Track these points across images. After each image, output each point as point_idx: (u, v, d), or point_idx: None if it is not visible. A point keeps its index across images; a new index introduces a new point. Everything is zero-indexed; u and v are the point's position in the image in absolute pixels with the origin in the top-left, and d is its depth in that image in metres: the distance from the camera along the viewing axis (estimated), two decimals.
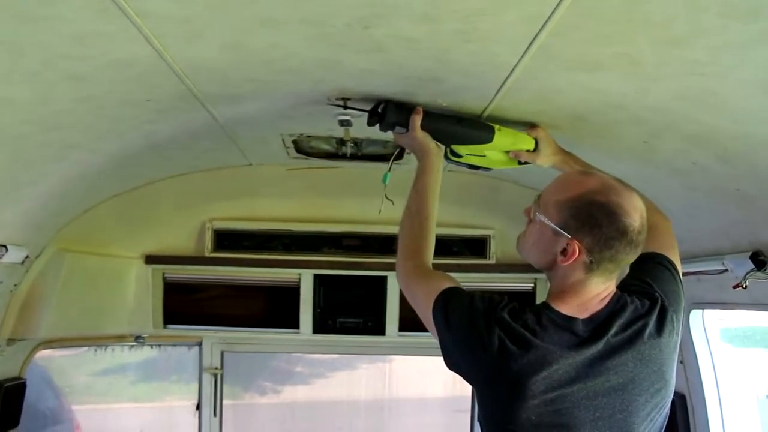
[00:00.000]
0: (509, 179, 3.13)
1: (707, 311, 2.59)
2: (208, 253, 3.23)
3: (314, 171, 3.02)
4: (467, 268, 3.26)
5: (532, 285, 3.42)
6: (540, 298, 3.37)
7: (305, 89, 1.83)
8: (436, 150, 1.95)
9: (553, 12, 1.21)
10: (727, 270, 2.17)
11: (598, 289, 1.59)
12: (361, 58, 1.54)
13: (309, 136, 2.56)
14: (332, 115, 2.00)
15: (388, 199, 2.08)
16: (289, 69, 1.63)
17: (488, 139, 1.97)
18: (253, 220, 3.25)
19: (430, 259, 1.84)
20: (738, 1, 1.09)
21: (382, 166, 2.64)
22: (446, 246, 3.21)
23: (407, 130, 1.93)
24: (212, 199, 3.21)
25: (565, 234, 1.53)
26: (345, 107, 1.92)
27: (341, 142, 2.61)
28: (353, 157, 2.73)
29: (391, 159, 2.18)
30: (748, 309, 2.33)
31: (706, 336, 2.60)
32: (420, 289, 1.73)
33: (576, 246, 1.52)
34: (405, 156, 2.53)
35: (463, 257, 3.34)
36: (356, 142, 2.62)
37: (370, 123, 1.94)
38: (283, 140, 2.56)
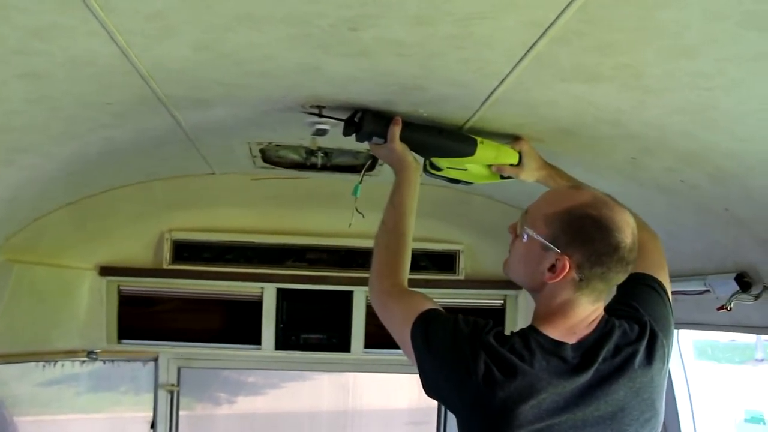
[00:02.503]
0: (480, 193, 3.09)
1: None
2: (166, 265, 3.17)
3: (280, 181, 2.96)
4: (436, 284, 3.24)
5: (502, 302, 3.40)
6: (510, 315, 3.36)
7: (278, 95, 1.74)
8: (414, 163, 1.87)
9: (557, 17, 1.14)
10: (708, 290, 2.13)
11: (587, 311, 1.52)
12: (342, 62, 1.46)
13: (278, 145, 2.48)
14: (304, 124, 1.92)
15: (358, 212, 2.01)
16: (263, 72, 1.55)
17: (470, 152, 1.90)
18: (215, 231, 3.19)
19: (406, 277, 1.77)
20: (763, 10, 1.02)
21: (352, 178, 2.60)
22: (414, 261, 3.09)
23: (385, 141, 1.86)
24: (172, 209, 3.14)
25: (555, 248, 1.47)
26: (320, 115, 1.84)
27: (310, 152, 2.54)
28: (323, 168, 2.67)
29: (363, 170, 2.11)
30: (728, 330, 2.30)
31: (681, 358, 2.57)
32: (397, 310, 1.65)
33: (566, 262, 1.46)
34: (377, 167, 2.48)
35: (431, 272, 3.32)
36: (326, 152, 2.55)
37: (346, 133, 1.86)
38: (250, 148, 2.49)
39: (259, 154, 2.58)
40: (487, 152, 1.92)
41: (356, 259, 3.25)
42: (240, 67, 1.51)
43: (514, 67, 1.40)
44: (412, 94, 1.69)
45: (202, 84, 1.64)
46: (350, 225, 1.99)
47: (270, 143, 2.44)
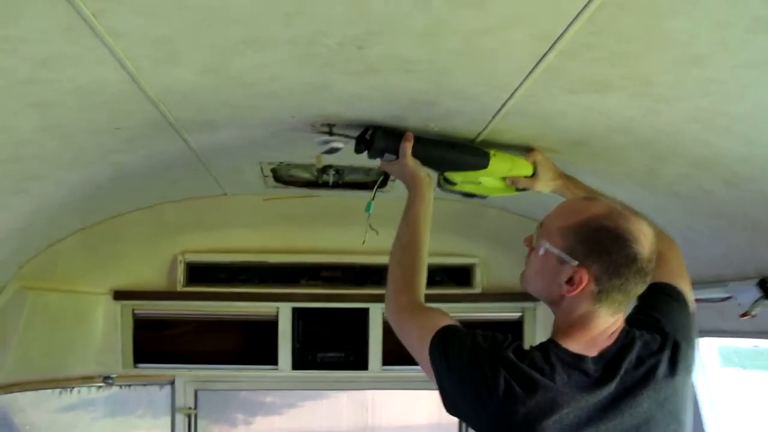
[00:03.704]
0: (495, 205, 3.08)
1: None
2: (180, 288, 3.17)
3: (292, 200, 2.96)
4: (452, 298, 3.22)
5: (520, 314, 3.38)
6: (528, 328, 3.35)
7: (287, 115, 1.75)
8: (427, 178, 1.87)
9: (565, 30, 1.15)
10: (730, 297, 2.11)
11: (607, 323, 1.51)
12: (350, 80, 1.47)
13: (289, 164, 2.49)
14: (315, 143, 1.93)
15: (372, 228, 2.01)
16: (270, 93, 1.56)
17: (483, 165, 1.90)
18: (228, 252, 3.19)
19: (422, 293, 1.76)
20: None
21: (364, 195, 2.59)
22: (430, 275, 3.10)
23: (397, 158, 1.86)
24: (184, 231, 3.14)
25: (572, 261, 1.46)
26: (330, 134, 1.85)
27: (322, 170, 2.55)
28: (334, 186, 2.67)
29: (375, 187, 2.11)
30: (753, 338, 2.28)
31: (705, 367, 2.54)
32: (414, 327, 1.65)
33: (583, 274, 1.45)
34: (389, 183, 2.48)
35: (447, 287, 3.30)
36: (338, 170, 2.56)
37: (358, 150, 1.86)
38: (261, 169, 2.50)
39: (270, 174, 2.59)
40: (501, 164, 1.92)
41: (371, 275, 3.25)
42: (247, 89, 1.52)
43: (524, 79, 1.41)
44: (422, 109, 1.70)
45: (210, 106, 1.65)
46: (364, 242, 1.99)
47: (281, 163, 2.45)
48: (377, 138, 1.83)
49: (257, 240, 3.19)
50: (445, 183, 1.96)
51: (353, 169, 2.58)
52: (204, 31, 1.18)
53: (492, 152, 1.91)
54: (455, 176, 1.94)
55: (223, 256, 3.19)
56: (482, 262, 3.31)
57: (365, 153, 1.87)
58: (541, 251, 1.53)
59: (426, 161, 1.88)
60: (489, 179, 1.95)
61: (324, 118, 1.79)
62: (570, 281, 1.47)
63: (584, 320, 1.50)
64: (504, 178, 1.95)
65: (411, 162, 1.85)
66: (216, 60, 1.33)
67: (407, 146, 1.84)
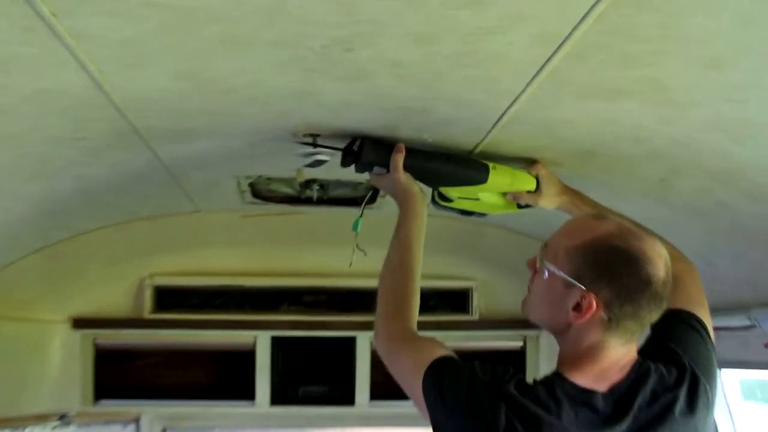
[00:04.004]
0: (494, 224, 3.08)
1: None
2: (147, 315, 3.15)
3: (272, 218, 2.96)
4: (447, 325, 3.22)
5: (522, 343, 3.38)
6: (531, 359, 3.34)
7: (268, 124, 1.75)
8: (420, 194, 1.87)
9: (573, 30, 1.15)
10: (753, 325, 2.11)
11: (618, 354, 1.50)
12: (338, 86, 1.47)
13: (269, 179, 2.49)
14: (297, 155, 1.93)
15: (359, 249, 2.00)
16: (250, 99, 1.55)
17: (482, 180, 1.90)
18: (201, 275, 3.18)
19: (415, 320, 1.76)
20: None
21: (352, 212, 2.58)
22: (423, 301, 3.10)
23: (387, 171, 1.86)
24: (153, 252, 3.13)
25: (579, 285, 1.45)
26: (314, 145, 1.85)
27: (305, 184, 2.55)
28: (319, 202, 2.68)
29: (363, 203, 2.10)
30: None
31: (726, 401, 2.54)
32: (406, 358, 1.64)
33: (592, 299, 1.44)
34: (379, 199, 2.48)
35: (441, 313, 3.30)
36: (322, 185, 2.56)
37: (345, 163, 1.86)
38: (238, 183, 2.50)
39: (248, 189, 2.59)
40: (501, 179, 1.92)
41: (359, 301, 3.24)
42: (225, 95, 1.51)
43: (527, 85, 1.41)
44: (415, 118, 1.70)
45: (183, 115, 1.64)
46: (351, 264, 1.98)
47: (260, 176, 2.45)
48: (366, 149, 1.83)
49: (233, 262, 3.18)
50: (439, 199, 1.96)
51: (339, 184, 2.58)
52: (176, 31, 1.18)
53: (491, 165, 1.91)
54: (451, 192, 1.94)
55: (196, 280, 3.18)
56: (480, 286, 3.31)
57: (352, 166, 1.86)
58: (546, 275, 1.52)
59: (419, 175, 1.88)
60: (488, 195, 1.95)
61: (308, 127, 1.79)
62: (577, 307, 1.46)
63: (593, 351, 1.49)
64: (504, 194, 1.96)
65: (403, 176, 1.85)
66: (190, 63, 1.33)
67: (398, 158, 1.84)
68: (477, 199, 1.96)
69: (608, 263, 1.44)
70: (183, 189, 2.55)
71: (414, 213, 1.85)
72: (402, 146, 1.85)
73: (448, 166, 1.90)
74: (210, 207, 2.92)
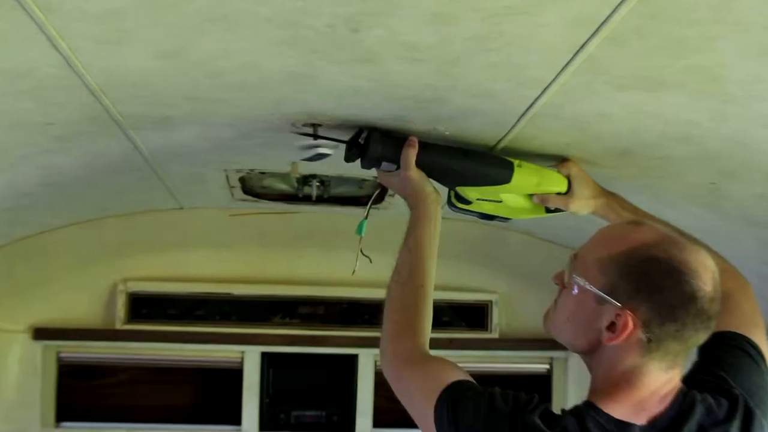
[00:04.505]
0: (519, 229, 3.10)
1: None
2: (120, 325, 3.17)
3: (265, 217, 2.98)
4: (462, 344, 3.24)
5: (548, 366, 3.40)
6: (558, 385, 3.35)
7: (263, 112, 1.77)
8: (434, 194, 1.88)
9: (612, 12, 1.15)
10: None
11: (658, 382, 1.50)
12: (342, 71, 1.47)
13: (262, 173, 2.51)
14: (295, 147, 1.95)
15: (364, 255, 2.01)
16: (243, 84, 1.57)
17: (506, 179, 1.91)
18: (183, 281, 3.20)
19: (427, 338, 1.77)
20: None
21: (356, 212, 2.60)
22: (435, 315, 3.13)
23: (398, 167, 1.87)
24: (128, 254, 3.16)
25: (614, 302, 1.46)
26: (315, 136, 1.86)
27: (303, 180, 2.56)
28: (319, 200, 2.68)
29: (369, 203, 2.12)
30: None
31: None
32: (416, 381, 1.65)
33: (628, 317, 1.44)
34: (387, 198, 2.49)
35: (457, 330, 3.32)
36: (322, 181, 2.58)
37: (349, 157, 1.88)
38: (227, 177, 2.51)
39: (238, 184, 2.60)
40: (528, 178, 1.93)
41: (362, 314, 3.26)
42: (215, 79, 1.52)
43: (559, 73, 1.41)
44: (430, 108, 1.71)
45: (167, 100, 1.66)
46: (354, 271, 1.99)
47: (252, 170, 2.46)
48: (373, 142, 1.84)
49: (220, 266, 3.20)
50: (456, 200, 1.97)
51: (342, 180, 2.59)
52: (158, 4, 1.19)
53: (516, 163, 1.92)
54: (470, 192, 1.94)
55: (176, 286, 3.20)
56: (501, 300, 3.33)
57: (358, 161, 1.87)
58: (575, 290, 1.52)
59: (433, 172, 1.88)
60: (512, 196, 1.96)
61: (308, 116, 1.80)
62: (611, 327, 1.46)
63: (630, 377, 1.49)
64: (531, 196, 1.96)
65: (415, 173, 1.86)
66: (174, 41, 1.34)
67: (410, 153, 1.85)
68: (499, 201, 1.96)
69: (647, 276, 1.45)
70: (164, 183, 2.57)
71: (427, 216, 1.86)
72: (414, 140, 1.86)
73: (467, 162, 1.91)
74: (194, 204, 2.94)
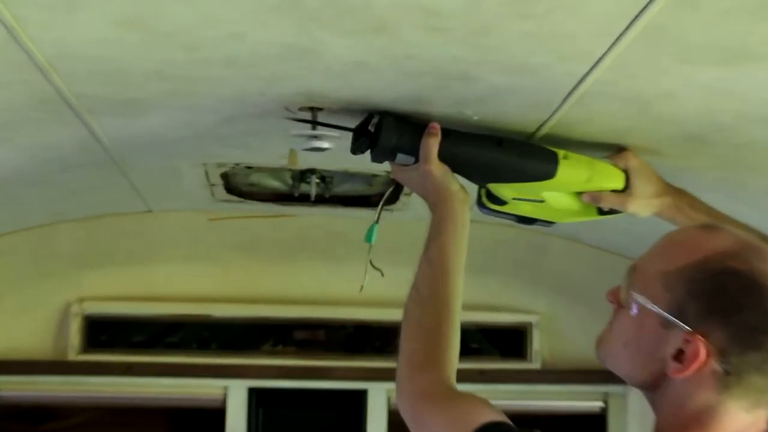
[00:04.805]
0: (564, 235, 3.10)
1: None
2: (74, 356, 3.17)
3: (253, 222, 2.98)
4: (496, 377, 3.24)
5: (602, 404, 3.38)
6: (615, 425, 3.35)
7: (251, 93, 1.78)
8: (460, 193, 1.89)
9: None
10: None
11: (740, 424, 1.50)
12: (348, 42, 1.48)
13: (249, 168, 2.52)
14: (290, 135, 1.96)
15: (374, 267, 2.02)
16: (227, 59, 1.58)
17: (549, 173, 1.91)
18: (152, 301, 3.21)
19: (454, 370, 1.77)
20: None
21: (365, 215, 2.61)
22: (462, 342, 3.11)
23: (416, 161, 1.88)
24: (84, 267, 3.17)
25: (682, 325, 1.46)
26: (315, 123, 1.87)
27: (300, 176, 2.57)
28: (319, 201, 2.69)
29: (380, 204, 2.12)
30: None
31: None
32: (439, 424, 1.66)
33: (699, 344, 1.44)
34: (402, 198, 2.50)
35: (487, 359, 3.33)
36: (323, 177, 2.59)
37: (357, 148, 1.89)
38: (206, 173, 2.53)
39: (220, 182, 2.62)
40: (576, 172, 1.93)
41: (372, 339, 3.26)
42: (192, 53, 1.53)
43: (613, 43, 1.42)
44: (454, 88, 1.71)
45: (132, 78, 1.67)
46: (362, 288, 2.00)
47: (237, 165, 2.48)
48: (386, 130, 1.85)
49: (197, 282, 3.20)
50: (488, 201, 1.98)
51: (347, 176, 2.61)
52: None
53: (562, 154, 1.92)
54: (505, 190, 1.95)
55: (144, 307, 3.20)
56: (543, 322, 3.32)
57: (368, 152, 1.89)
58: (634, 310, 1.53)
59: (460, 166, 1.89)
60: (556, 195, 1.97)
61: (306, 98, 1.81)
62: (679, 356, 1.46)
63: (703, 418, 1.49)
64: (579, 194, 1.97)
65: (437, 168, 1.86)
66: (139, 7, 1.35)
67: (431, 143, 1.85)
68: (541, 201, 1.97)
69: (723, 293, 1.45)
70: (129, 180, 2.58)
71: (452, 219, 1.86)
72: (436, 126, 1.86)
73: (501, 154, 1.91)
74: (166, 206, 2.97)
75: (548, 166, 1.92)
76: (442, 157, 1.86)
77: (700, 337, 1.44)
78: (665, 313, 1.48)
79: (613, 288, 1.59)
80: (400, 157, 1.89)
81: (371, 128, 1.87)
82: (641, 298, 1.52)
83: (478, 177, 1.95)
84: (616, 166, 1.96)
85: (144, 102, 1.83)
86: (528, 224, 2.05)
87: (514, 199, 1.96)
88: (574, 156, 1.94)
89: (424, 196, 1.93)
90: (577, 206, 1.98)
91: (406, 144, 1.87)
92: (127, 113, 1.90)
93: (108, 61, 1.57)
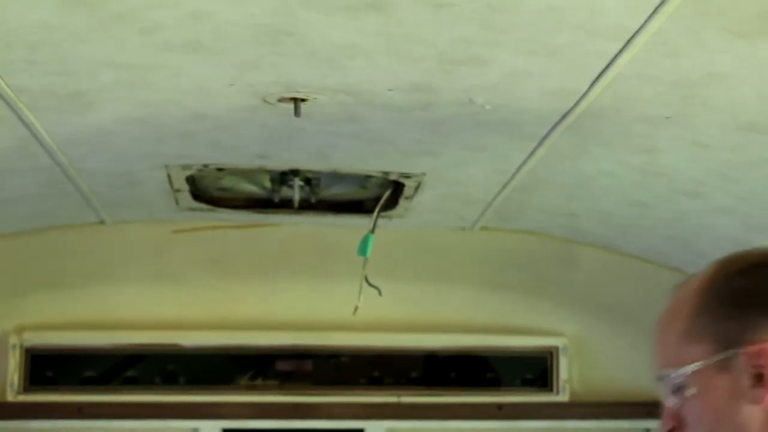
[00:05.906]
0: (595, 242, 3.09)
1: None
2: (13, 396, 3.18)
3: (225, 234, 2.98)
4: (517, 411, 3.23)
5: None
6: None
7: (220, 83, 1.79)
8: None
9: None
10: None
11: None
12: (336, 22, 1.50)
13: (219, 169, 2.53)
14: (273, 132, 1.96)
15: (370, 285, 2.03)
16: (192, 43, 1.59)
17: None
18: (106, 329, 3.20)
19: None
20: None
21: (358, 223, 2.60)
22: (477, 369, 3.17)
23: None
24: (25, 291, 3.16)
25: (733, 347, 1.45)
26: (296, 115, 1.88)
27: (281, 179, 2.58)
28: (303, 207, 2.69)
29: (376, 209, 2.13)
30: None
31: None
32: None
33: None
34: (401, 202, 2.50)
35: (507, 391, 3.30)
36: (309, 179, 2.58)
37: None
38: (169, 177, 2.54)
39: (185, 187, 2.63)
40: None
41: (369, 369, 3.24)
42: (149, 36, 1.54)
43: (649, 17, 1.43)
44: (461, 73, 1.73)
45: (78, 67, 1.68)
46: (356, 309, 2.01)
47: (206, 166, 2.49)
48: None
49: (160, 306, 3.20)
50: None
51: (337, 178, 2.60)
52: None
53: None
54: None
55: (97, 336, 3.20)
56: (572, 346, 3.31)
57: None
58: (693, 389, 1.50)
59: None
60: None
61: (285, 87, 1.83)
62: (759, 380, 1.44)
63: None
64: None
65: None
66: None
67: None
68: None
69: (746, 293, 1.44)
70: (77, 188, 2.59)
71: None
72: None
73: None
74: (122, 217, 2.97)
75: None
76: None
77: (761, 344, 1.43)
78: (715, 357, 1.47)
79: (665, 415, 1.56)
80: None
81: None
82: (684, 370, 1.50)
83: None
84: None
85: (93, 95, 1.85)
86: None
87: None
88: None
89: None
90: None
91: None
92: (73, 108, 1.92)
93: (49, 46, 1.59)
